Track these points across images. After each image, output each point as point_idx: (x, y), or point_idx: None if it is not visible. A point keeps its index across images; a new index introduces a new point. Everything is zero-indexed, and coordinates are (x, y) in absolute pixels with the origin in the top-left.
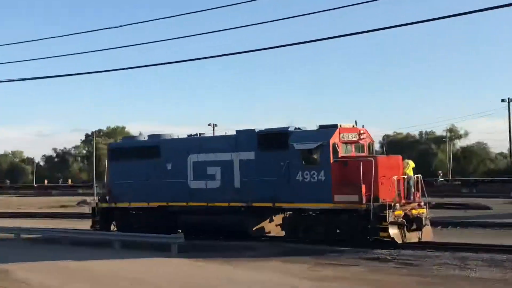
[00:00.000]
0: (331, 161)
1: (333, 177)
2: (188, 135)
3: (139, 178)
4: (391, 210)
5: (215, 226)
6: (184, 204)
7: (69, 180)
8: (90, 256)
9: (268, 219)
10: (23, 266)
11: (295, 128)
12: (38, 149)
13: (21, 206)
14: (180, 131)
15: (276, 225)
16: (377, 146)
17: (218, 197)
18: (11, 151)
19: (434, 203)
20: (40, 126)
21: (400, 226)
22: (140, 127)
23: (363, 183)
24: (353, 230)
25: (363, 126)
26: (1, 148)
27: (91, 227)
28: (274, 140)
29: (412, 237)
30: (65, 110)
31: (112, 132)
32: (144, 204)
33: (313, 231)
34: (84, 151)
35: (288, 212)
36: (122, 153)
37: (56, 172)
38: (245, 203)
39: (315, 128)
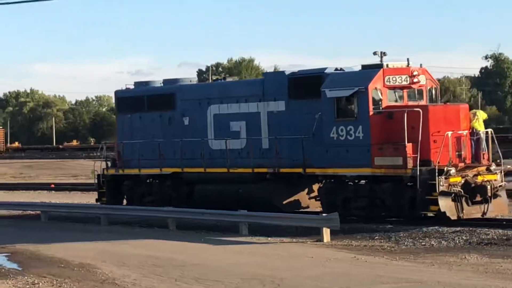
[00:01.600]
0: (370, 112)
1: (373, 134)
2: (214, 80)
3: (151, 137)
4: (443, 176)
5: (236, 199)
6: (201, 170)
7: None
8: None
9: (306, 190)
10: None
11: (336, 69)
12: None
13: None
14: (333, 64)
15: (310, 198)
16: None
17: (241, 161)
18: (96, 97)
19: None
20: (135, 60)
21: (455, 197)
22: (275, 59)
23: (408, 141)
24: (399, 203)
25: (421, 65)
26: (82, 92)
27: (97, 201)
28: (307, 86)
29: (474, 211)
30: (170, 37)
31: (236, 67)
32: (156, 171)
33: (353, 205)
34: None
35: (326, 181)
36: (131, 103)
37: None
38: (272, 169)
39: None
